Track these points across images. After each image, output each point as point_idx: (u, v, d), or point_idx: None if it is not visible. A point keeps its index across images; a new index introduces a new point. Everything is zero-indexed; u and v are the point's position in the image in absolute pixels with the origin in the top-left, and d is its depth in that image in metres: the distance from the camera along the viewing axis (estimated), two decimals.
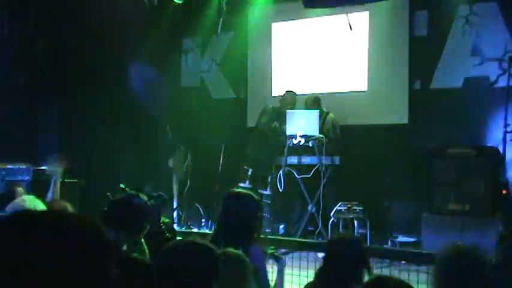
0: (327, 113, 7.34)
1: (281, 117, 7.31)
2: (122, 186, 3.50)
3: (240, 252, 2.56)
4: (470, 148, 6.39)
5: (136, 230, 3.04)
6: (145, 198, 3.20)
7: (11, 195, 4.02)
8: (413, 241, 6.77)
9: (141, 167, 8.82)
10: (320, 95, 7.58)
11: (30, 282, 0.91)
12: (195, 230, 7.33)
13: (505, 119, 6.17)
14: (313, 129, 6.84)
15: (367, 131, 7.83)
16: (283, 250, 5.54)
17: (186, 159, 7.89)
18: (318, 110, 7.05)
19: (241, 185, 7.22)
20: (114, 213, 2.97)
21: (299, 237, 6.58)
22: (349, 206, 6.44)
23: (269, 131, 7.47)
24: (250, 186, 7.10)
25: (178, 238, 3.71)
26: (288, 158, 6.91)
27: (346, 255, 2.76)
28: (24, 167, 6.21)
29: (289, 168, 6.89)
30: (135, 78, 8.35)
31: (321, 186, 6.63)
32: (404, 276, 4.22)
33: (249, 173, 7.22)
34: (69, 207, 3.56)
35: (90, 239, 0.99)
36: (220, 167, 7.65)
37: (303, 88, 8.02)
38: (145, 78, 8.33)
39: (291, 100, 7.55)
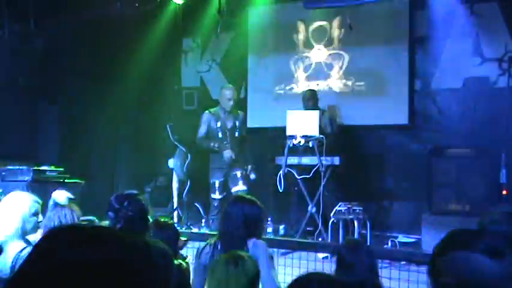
0: (323, 111, 7.34)
1: (220, 120, 7.11)
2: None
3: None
4: (470, 148, 6.39)
5: None
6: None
7: None
8: (413, 241, 6.77)
9: (141, 167, 8.82)
10: (319, 93, 7.58)
11: None
12: (195, 230, 7.32)
13: (505, 119, 6.17)
14: (313, 130, 6.82)
15: (367, 131, 7.84)
16: (283, 250, 5.55)
17: (186, 159, 7.87)
18: (318, 110, 7.04)
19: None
20: None
21: (299, 238, 6.57)
22: (349, 206, 6.43)
23: (206, 147, 7.14)
24: (245, 188, 7.03)
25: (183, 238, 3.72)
26: (288, 158, 6.89)
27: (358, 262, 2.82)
28: (24, 167, 6.19)
29: (289, 169, 6.88)
30: None
31: (321, 187, 6.61)
32: (404, 276, 4.22)
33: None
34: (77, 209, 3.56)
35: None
36: None
37: (303, 87, 8.04)
38: None
39: (230, 95, 7.16)
